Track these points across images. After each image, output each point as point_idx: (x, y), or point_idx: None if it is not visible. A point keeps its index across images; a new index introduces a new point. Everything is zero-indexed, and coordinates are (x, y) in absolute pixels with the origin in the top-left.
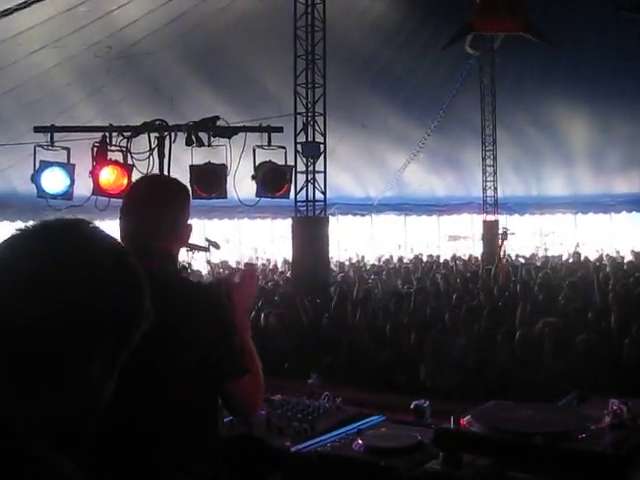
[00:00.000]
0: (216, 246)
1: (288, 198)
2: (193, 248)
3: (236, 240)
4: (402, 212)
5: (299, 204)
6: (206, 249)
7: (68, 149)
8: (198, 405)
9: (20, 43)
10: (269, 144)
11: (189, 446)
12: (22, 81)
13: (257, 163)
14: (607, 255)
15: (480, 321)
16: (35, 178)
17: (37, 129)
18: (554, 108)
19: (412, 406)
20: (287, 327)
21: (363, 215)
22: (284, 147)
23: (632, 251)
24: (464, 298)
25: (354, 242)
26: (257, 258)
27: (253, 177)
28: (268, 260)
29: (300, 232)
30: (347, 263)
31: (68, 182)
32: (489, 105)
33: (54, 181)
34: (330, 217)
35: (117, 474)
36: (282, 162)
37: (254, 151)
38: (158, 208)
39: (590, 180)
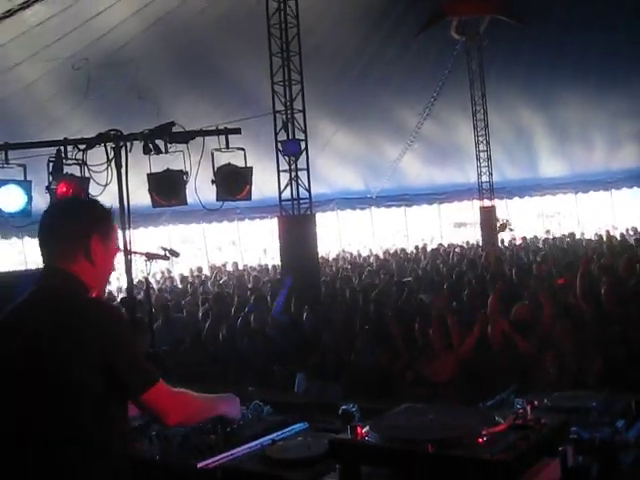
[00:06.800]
0: (174, 254)
1: (250, 200)
2: (151, 257)
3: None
4: (402, 202)
5: (284, 203)
6: (165, 257)
7: (24, 166)
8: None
9: None
10: (227, 146)
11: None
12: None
13: (217, 167)
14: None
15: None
16: None
17: None
18: (546, 88)
19: (340, 411)
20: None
21: (363, 209)
22: (243, 149)
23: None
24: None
25: (357, 236)
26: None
27: (213, 181)
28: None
29: (286, 231)
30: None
31: (25, 199)
32: (478, 90)
33: (11, 199)
34: (330, 212)
35: None
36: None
37: (212, 155)
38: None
39: (588, 158)
